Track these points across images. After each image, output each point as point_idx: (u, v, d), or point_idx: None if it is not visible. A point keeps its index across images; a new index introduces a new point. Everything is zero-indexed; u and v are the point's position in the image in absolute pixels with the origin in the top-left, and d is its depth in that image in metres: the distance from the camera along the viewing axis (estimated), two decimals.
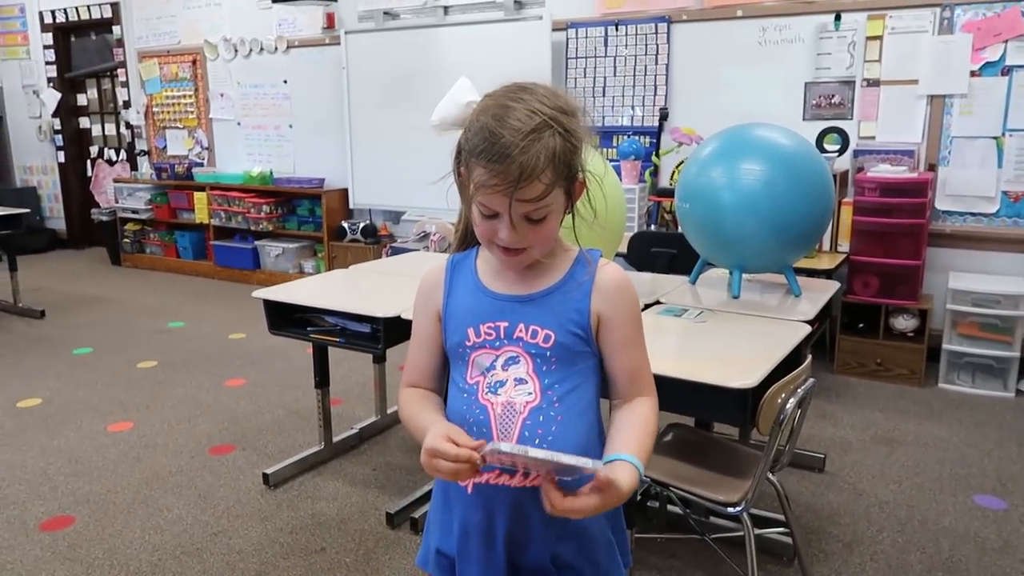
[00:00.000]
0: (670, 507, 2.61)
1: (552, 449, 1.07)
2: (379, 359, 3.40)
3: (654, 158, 4.75)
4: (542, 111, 1.04)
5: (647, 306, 2.48)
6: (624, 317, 1.16)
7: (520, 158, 1.01)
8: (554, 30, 4.87)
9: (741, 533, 2.11)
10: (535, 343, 1.14)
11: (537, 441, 1.13)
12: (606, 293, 1.15)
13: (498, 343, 1.15)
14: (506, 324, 1.15)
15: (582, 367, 1.15)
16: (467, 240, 1.25)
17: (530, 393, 1.14)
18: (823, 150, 4.22)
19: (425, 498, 2.71)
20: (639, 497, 2.57)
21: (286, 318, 2.77)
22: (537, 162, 1.02)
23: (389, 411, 3.47)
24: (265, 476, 2.91)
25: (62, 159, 7.70)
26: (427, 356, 1.24)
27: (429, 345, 1.24)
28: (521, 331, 1.14)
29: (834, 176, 3.33)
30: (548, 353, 1.13)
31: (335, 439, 3.18)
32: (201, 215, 6.55)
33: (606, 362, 1.18)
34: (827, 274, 3.71)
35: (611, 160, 4.75)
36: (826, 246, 4.07)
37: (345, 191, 6.04)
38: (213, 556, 2.45)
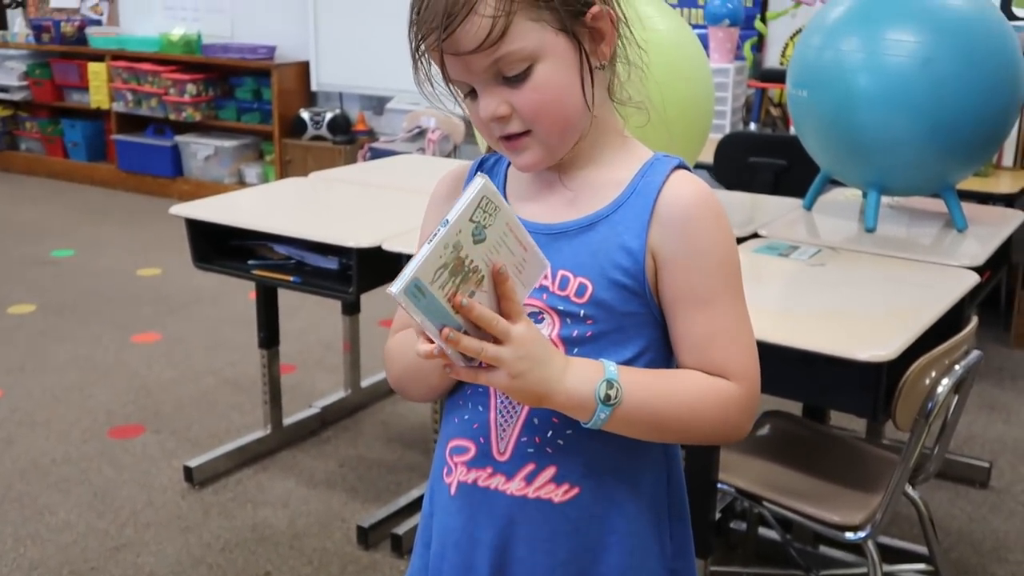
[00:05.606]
0: (763, 530, 2.63)
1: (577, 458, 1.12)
2: (350, 309, 3.42)
3: (758, 24, 4.68)
4: None
5: (741, 240, 2.46)
6: (695, 261, 1.12)
7: None
8: None
9: (864, 570, 2.13)
10: (564, 296, 1.13)
11: (549, 450, 1.14)
12: (667, 220, 1.12)
13: None
14: None
15: (635, 336, 1.15)
16: None
17: None
18: (1012, 16, 4.10)
19: (412, 508, 2.75)
20: (719, 515, 2.58)
21: (219, 247, 2.77)
22: None
23: (364, 383, 3.50)
24: (187, 470, 2.95)
25: None
26: None
27: None
28: (546, 278, 1.13)
29: None
30: (581, 312, 1.13)
31: (286, 421, 3.22)
32: (99, 97, 6.55)
33: (668, 325, 1.16)
34: (1007, 200, 3.65)
35: (694, 26, 4.67)
36: (1007, 159, 3.99)
37: (305, 66, 6.02)
38: None
